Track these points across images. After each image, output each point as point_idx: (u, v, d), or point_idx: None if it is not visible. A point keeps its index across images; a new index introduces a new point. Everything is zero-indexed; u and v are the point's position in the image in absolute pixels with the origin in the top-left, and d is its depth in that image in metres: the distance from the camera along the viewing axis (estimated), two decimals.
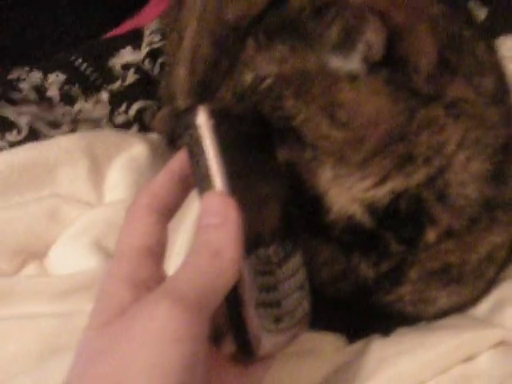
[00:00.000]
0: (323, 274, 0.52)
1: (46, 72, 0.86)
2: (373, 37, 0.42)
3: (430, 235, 0.48)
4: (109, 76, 0.89)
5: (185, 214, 0.57)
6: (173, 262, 0.55)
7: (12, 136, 0.70)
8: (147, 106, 0.86)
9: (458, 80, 0.46)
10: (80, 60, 0.90)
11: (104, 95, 0.86)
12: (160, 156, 0.71)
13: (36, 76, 0.85)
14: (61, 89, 0.84)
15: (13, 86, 0.81)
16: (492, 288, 0.54)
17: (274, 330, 0.40)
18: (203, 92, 0.48)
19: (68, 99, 0.84)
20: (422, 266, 0.50)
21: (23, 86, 0.82)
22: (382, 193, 0.47)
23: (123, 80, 0.89)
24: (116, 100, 0.86)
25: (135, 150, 0.70)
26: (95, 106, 0.85)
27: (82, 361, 0.34)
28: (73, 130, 0.76)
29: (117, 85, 0.89)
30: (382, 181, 0.46)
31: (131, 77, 0.90)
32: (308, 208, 0.50)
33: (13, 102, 0.77)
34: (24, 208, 0.62)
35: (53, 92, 0.84)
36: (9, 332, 0.51)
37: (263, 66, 0.45)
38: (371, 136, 0.44)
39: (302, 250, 0.44)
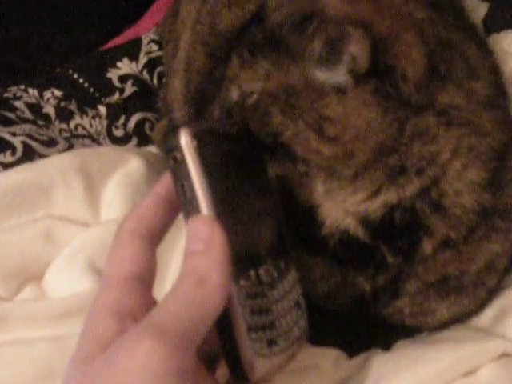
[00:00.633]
0: (320, 288, 0.52)
1: (41, 89, 0.86)
2: (357, 48, 0.42)
3: (427, 247, 0.47)
4: (106, 89, 0.88)
5: (180, 231, 0.56)
6: (168, 283, 0.55)
7: (6, 157, 0.69)
8: (146, 118, 0.86)
9: (448, 86, 0.45)
10: (76, 75, 0.89)
11: (102, 109, 0.86)
12: (157, 171, 0.71)
13: (31, 94, 0.85)
14: (57, 106, 0.84)
15: (8, 104, 0.81)
16: (494, 296, 0.53)
17: (267, 353, 0.39)
18: (198, 103, 0.47)
19: (64, 116, 0.83)
20: (420, 278, 0.49)
21: (19, 104, 0.82)
22: (375, 206, 0.46)
23: (121, 92, 0.89)
24: (114, 113, 0.86)
25: (131, 165, 0.69)
26: (92, 121, 0.84)
27: None
28: (69, 147, 0.75)
29: (115, 97, 0.88)
30: (375, 194, 0.45)
31: (129, 89, 0.89)
32: (301, 222, 0.49)
33: (8, 122, 0.76)
34: (19, 230, 0.61)
35: (49, 109, 0.83)
36: (4, 358, 0.51)
37: (247, 82, 0.44)
38: (361, 150, 0.43)
39: (297, 266, 0.43)
